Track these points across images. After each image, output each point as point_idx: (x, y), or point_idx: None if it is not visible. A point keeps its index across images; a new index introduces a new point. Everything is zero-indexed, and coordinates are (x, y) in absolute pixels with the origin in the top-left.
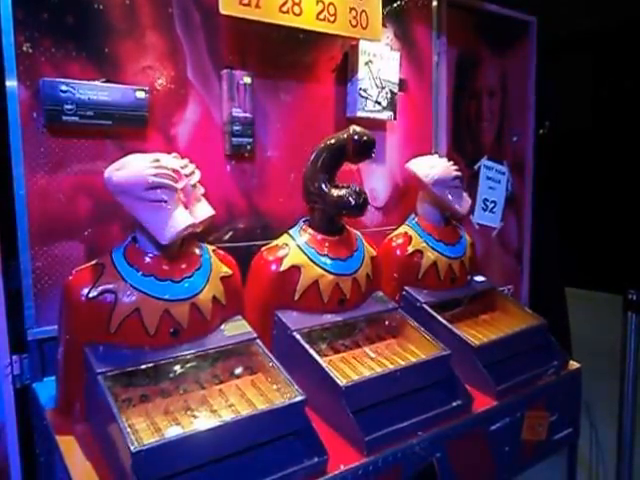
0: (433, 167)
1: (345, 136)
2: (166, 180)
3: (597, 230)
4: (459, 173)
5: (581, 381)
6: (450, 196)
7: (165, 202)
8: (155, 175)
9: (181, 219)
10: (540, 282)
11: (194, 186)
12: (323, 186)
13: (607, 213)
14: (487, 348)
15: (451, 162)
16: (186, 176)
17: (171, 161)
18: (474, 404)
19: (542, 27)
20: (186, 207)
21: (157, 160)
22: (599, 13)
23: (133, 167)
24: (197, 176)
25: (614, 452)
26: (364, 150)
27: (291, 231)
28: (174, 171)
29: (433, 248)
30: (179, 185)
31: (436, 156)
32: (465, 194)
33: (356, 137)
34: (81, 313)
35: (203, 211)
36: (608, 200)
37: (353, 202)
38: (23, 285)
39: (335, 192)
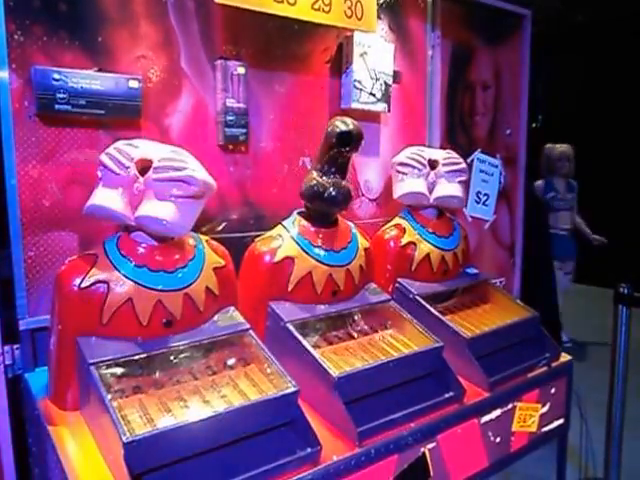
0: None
1: (328, 129)
2: (108, 161)
3: (589, 224)
4: (408, 161)
5: (572, 373)
6: (393, 179)
7: (100, 180)
8: (105, 154)
9: (95, 199)
10: (532, 275)
11: (162, 181)
12: (308, 175)
13: (599, 208)
14: (479, 340)
15: (420, 150)
16: (154, 169)
17: (148, 150)
18: (466, 395)
19: (537, 20)
20: (133, 199)
21: (127, 144)
22: (595, 7)
23: None
24: (170, 174)
25: (603, 443)
26: (345, 142)
27: (285, 222)
28: (146, 160)
29: (426, 240)
30: (127, 172)
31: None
32: (407, 181)
33: (336, 129)
34: (73, 303)
35: (149, 210)
36: (600, 195)
37: (310, 192)
38: (15, 275)
39: (307, 182)
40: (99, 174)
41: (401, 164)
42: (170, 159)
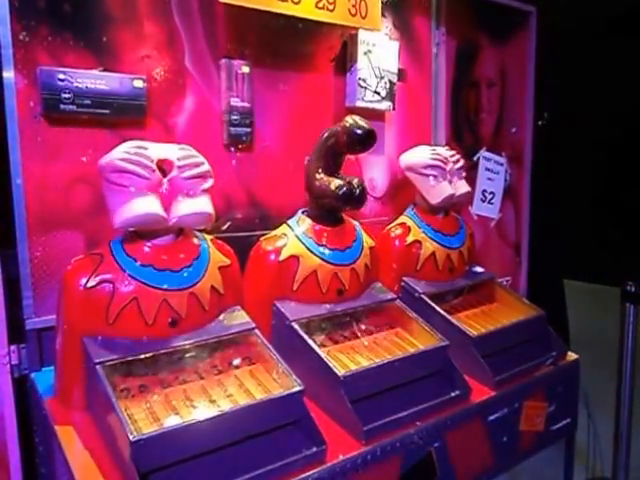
0: (411, 154)
1: (342, 127)
2: (132, 166)
3: (595, 222)
4: (434, 162)
5: (579, 372)
6: (421, 183)
7: (126, 187)
8: (122, 159)
9: (136, 207)
10: (538, 274)
11: (188, 179)
12: (319, 176)
13: (605, 205)
14: (485, 339)
15: (435, 151)
16: (179, 167)
17: (160, 150)
18: (472, 394)
19: (542, 17)
20: (167, 199)
21: (139, 147)
22: (601, 2)
23: (112, 151)
24: (195, 171)
25: (611, 442)
26: (360, 142)
27: (290, 221)
28: (163, 161)
29: (432, 238)
30: (154, 175)
31: (431, 146)
32: (443, 185)
33: (353, 128)
34: (79, 303)
35: (186, 208)
36: (606, 192)
37: (341, 193)
38: (21, 274)
39: (328, 183)
40: (123, 182)
41: (428, 166)
42: (188, 156)
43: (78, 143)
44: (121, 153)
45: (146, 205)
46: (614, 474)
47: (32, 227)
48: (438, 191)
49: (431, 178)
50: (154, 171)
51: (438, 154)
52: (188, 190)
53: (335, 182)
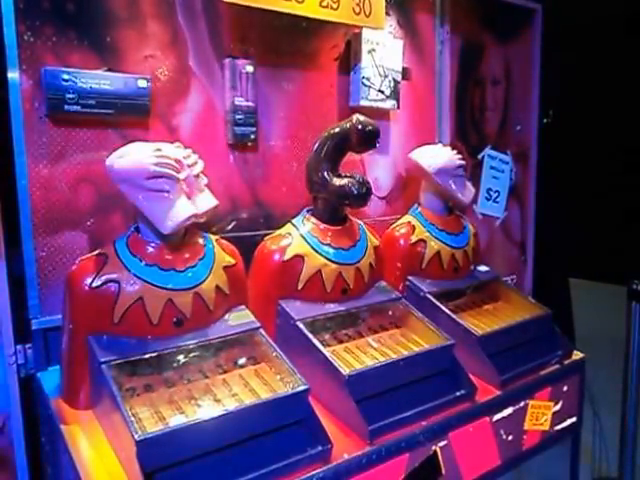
0: (436, 156)
1: (349, 125)
2: (168, 170)
3: (601, 221)
4: (463, 162)
5: (585, 371)
6: (453, 185)
7: (167, 192)
8: (157, 164)
9: (183, 209)
10: (544, 272)
11: (197, 176)
12: (326, 175)
13: (611, 204)
14: (491, 338)
15: (455, 151)
16: (188, 166)
17: (173, 151)
18: (478, 393)
19: (548, 14)
20: (188, 197)
21: (159, 149)
22: (606, 1)
23: (135, 155)
24: (200, 166)
25: (617, 441)
26: (368, 140)
27: (294, 220)
28: (176, 161)
29: (436, 238)
30: (181, 175)
31: (440, 145)
32: (469, 183)
33: (360, 126)
34: (85, 302)
35: (206, 201)
36: (613, 191)
37: (355, 192)
38: (27, 275)
39: (337, 181)
40: (163, 187)
41: (459, 167)
42: (189, 155)
43: (82, 143)
44: (150, 157)
45: (189, 207)
46: (620, 474)
47: (37, 227)
48: (469, 190)
49: (462, 179)
50: (180, 172)
51: (457, 154)
52: (197, 186)
53: (347, 181)
